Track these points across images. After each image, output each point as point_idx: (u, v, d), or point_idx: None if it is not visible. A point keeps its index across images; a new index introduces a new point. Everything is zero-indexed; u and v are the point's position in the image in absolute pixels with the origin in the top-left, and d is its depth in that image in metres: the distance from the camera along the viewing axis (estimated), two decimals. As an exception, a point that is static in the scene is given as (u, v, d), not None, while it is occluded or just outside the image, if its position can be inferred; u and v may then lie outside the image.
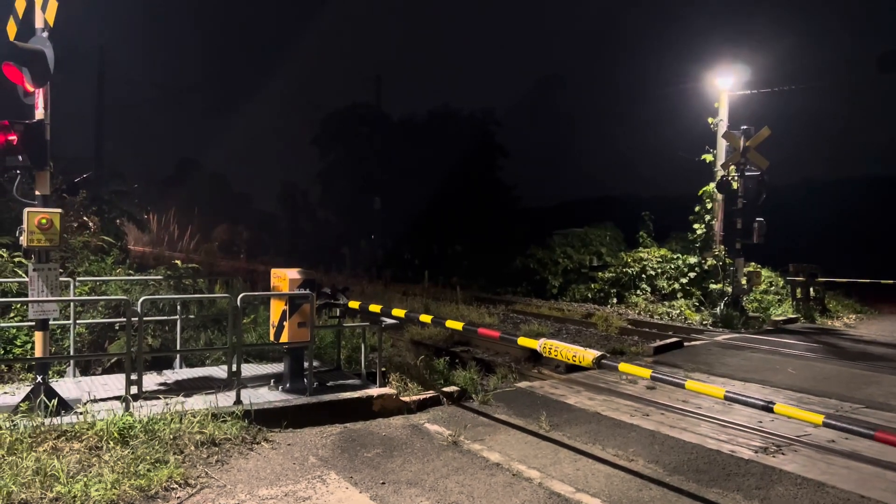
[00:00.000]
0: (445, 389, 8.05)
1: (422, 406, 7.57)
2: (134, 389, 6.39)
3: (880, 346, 12.98)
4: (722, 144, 17.24)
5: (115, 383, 7.26)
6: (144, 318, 7.78)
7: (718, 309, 15.68)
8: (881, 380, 9.56)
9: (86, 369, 8.12)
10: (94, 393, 6.88)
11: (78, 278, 8.67)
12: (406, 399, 7.49)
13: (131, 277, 9.64)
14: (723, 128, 17.18)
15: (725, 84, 17.59)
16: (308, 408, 6.83)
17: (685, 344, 12.39)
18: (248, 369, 8.16)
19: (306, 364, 7.28)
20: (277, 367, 8.10)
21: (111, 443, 5.55)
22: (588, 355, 4.96)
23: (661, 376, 4.73)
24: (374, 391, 7.34)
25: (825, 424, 3.75)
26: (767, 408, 4.00)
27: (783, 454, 6.34)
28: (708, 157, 18.02)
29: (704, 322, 15.54)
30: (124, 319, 6.85)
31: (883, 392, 8.85)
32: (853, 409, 7.99)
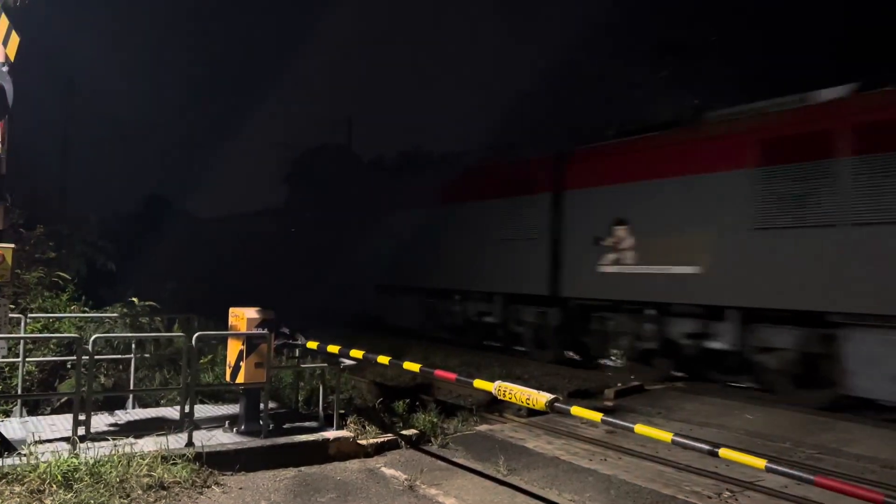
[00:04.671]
0: (404, 432, 7.97)
1: (379, 449, 7.48)
2: (81, 430, 6.24)
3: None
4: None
5: (63, 424, 7.06)
6: (98, 357, 7.64)
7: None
8: (835, 426, 9.69)
9: (34, 409, 7.91)
10: (41, 434, 6.69)
11: (30, 315, 8.49)
12: (363, 442, 7.40)
13: (86, 315, 9.47)
14: None
15: None
16: (262, 451, 6.70)
17: (646, 388, 12.46)
18: (205, 410, 8.01)
19: (262, 405, 7.17)
20: (234, 409, 7.97)
21: (54, 486, 5.38)
22: (541, 398, 4.98)
23: (611, 420, 4.77)
24: (331, 434, 7.24)
25: (767, 469, 3.81)
26: (712, 452, 4.06)
27: (737, 500, 6.38)
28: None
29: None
30: (76, 358, 6.71)
31: (836, 438, 8.97)
32: (807, 455, 8.08)
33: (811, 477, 3.63)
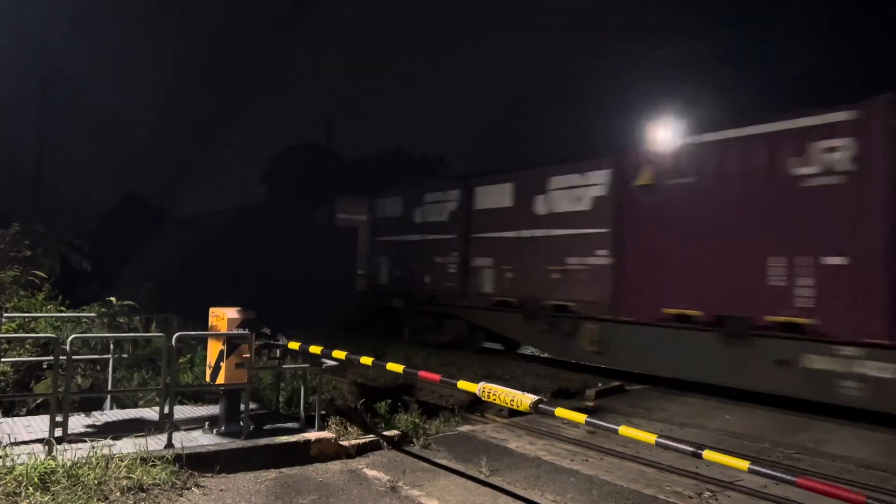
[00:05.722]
0: (386, 433, 7.94)
1: (361, 451, 7.44)
2: (59, 432, 6.14)
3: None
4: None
5: (39, 425, 6.94)
6: (75, 357, 7.52)
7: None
8: (812, 426, 9.83)
9: (9, 410, 7.76)
10: (16, 435, 6.57)
11: (5, 314, 8.34)
12: (345, 443, 7.36)
13: (63, 314, 9.31)
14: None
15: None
16: (243, 452, 6.64)
17: (627, 388, 12.54)
18: (184, 411, 7.91)
19: (243, 406, 7.10)
20: (214, 409, 7.88)
21: (30, 489, 5.28)
22: (525, 400, 4.98)
23: (595, 421, 4.79)
24: (312, 435, 7.19)
25: (750, 471, 3.84)
26: (696, 454, 4.09)
27: (717, 500, 6.43)
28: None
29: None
30: (52, 358, 6.60)
31: (813, 438, 9.09)
32: (785, 456, 8.18)
33: (793, 478, 3.67)
